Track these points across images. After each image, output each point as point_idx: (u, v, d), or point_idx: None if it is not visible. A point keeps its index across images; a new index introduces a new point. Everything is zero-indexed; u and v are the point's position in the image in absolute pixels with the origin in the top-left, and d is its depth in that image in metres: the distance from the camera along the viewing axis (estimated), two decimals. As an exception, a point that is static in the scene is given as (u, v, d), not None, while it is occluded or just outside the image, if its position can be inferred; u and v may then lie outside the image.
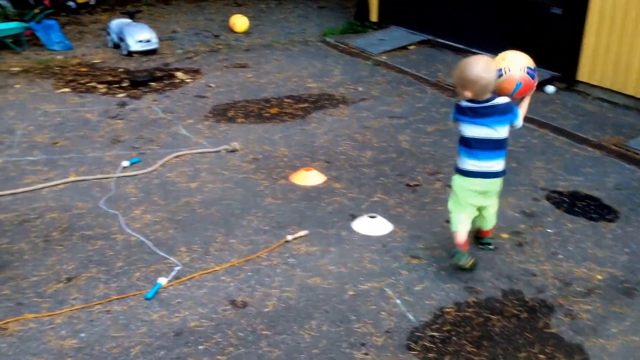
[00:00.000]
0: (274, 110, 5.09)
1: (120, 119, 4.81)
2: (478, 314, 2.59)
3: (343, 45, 7.28)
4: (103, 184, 3.72)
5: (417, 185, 3.77)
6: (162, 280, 2.74)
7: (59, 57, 6.62)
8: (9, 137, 4.39)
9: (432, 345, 2.40)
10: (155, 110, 5.04)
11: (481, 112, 2.71)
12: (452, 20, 6.83)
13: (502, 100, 2.72)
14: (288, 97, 5.44)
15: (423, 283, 2.80)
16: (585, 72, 5.34)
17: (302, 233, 3.18)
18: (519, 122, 2.78)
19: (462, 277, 2.84)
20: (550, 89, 5.46)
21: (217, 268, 2.87)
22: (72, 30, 7.81)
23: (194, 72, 6.19)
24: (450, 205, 2.91)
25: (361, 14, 8.23)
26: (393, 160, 4.14)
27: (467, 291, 2.74)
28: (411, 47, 7.11)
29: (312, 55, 6.96)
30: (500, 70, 2.72)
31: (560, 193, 3.69)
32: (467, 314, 2.59)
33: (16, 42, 6.79)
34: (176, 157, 4.12)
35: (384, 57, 6.73)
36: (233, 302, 2.63)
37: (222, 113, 5.01)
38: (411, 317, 2.56)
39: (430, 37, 7.15)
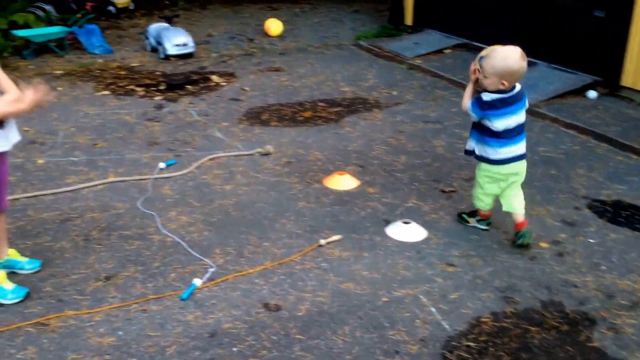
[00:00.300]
0: (308, 114, 5.11)
1: (157, 122, 4.90)
2: (516, 324, 2.53)
3: (377, 49, 7.25)
4: (140, 184, 3.79)
5: (452, 191, 3.72)
6: (197, 282, 2.76)
7: (100, 60, 6.80)
8: (52, 138, 4.53)
9: (468, 356, 2.35)
10: (190, 113, 5.12)
11: (510, 101, 2.87)
12: (489, 23, 6.72)
13: (518, 86, 2.90)
14: (321, 100, 5.44)
15: (458, 291, 2.75)
16: (630, 77, 5.18)
17: (335, 237, 3.16)
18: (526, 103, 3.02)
19: (499, 287, 2.78)
20: (592, 94, 5.31)
21: (251, 271, 2.89)
22: (112, 35, 8.02)
23: (229, 75, 6.27)
24: (480, 191, 3.14)
25: (395, 17, 8.19)
26: (428, 165, 4.09)
27: (504, 301, 2.68)
28: (447, 51, 7.03)
29: (345, 59, 6.95)
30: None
31: (603, 202, 3.57)
32: (505, 324, 2.53)
33: (59, 46, 7.02)
34: (211, 159, 4.17)
35: (418, 61, 6.67)
36: (266, 305, 2.64)
37: (256, 116, 5.04)
38: (446, 326, 2.52)
39: (467, 41, 7.06)
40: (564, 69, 5.70)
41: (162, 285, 2.77)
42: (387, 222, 3.32)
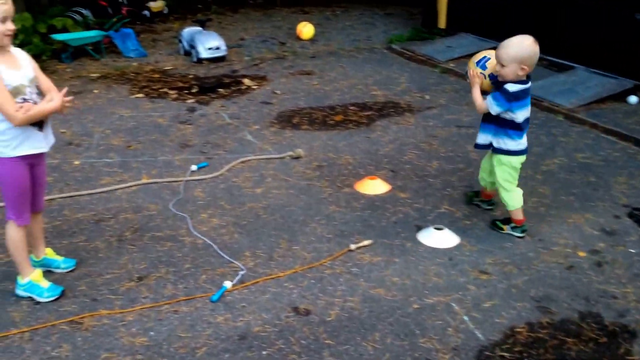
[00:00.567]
0: (339, 118, 5.09)
1: (189, 124, 4.96)
2: (552, 335, 2.45)
3: (409, 53, 7.18)
4: (173, 187, 3.83)
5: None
6: (227, 284, 2.77)
7: (134, 63, 6.93)
8: (87, 140, 4.63)
9: (502, 367, 2.28)
10: (222, 116, 5.17)
11: (529, 92, 2.94)
12: (525, 27, 6.57)
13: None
14: (353, 104, 5.42)
15: (492, 300, 2.68)
16: (673, 81, 4.99)
17: (366, 242, 3.13)
18: None
19: (535, 296, 2.70)
20: (633, 99, 5.13)
21: (281, 274, 2.88)
22: (146, 38, 8.18)
23: (260, 78, 6.30)
24: (509, 187, 3.10)
25: (428, 20, 8.10)
26: (460, 170, 4.02)
27: (539, 311, 2.60)
28: (480, 55, 6.91)
29: (377, 62, 6.91)
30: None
31: (643, 210, 3.44)
32: (540, 335, 2.45)
33: (96, 50, 7.19)
34: (242, 162, 4.19)
35: (452, 65, 6.58)
36: (296, 309, 2.63)
37: (287, 120, 5.05)
38: (479, 335, 2.46)
39: (501, 44, 6.92)
40: (603, 73, 5.53)
41: (193, 287, 2.79)
42: (419, 228, 3.28)
